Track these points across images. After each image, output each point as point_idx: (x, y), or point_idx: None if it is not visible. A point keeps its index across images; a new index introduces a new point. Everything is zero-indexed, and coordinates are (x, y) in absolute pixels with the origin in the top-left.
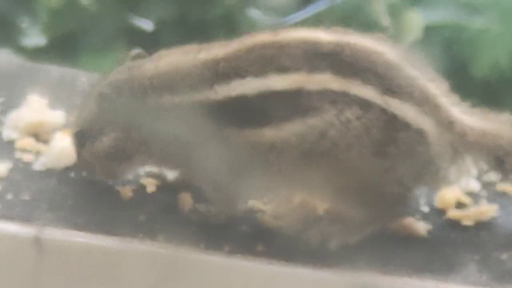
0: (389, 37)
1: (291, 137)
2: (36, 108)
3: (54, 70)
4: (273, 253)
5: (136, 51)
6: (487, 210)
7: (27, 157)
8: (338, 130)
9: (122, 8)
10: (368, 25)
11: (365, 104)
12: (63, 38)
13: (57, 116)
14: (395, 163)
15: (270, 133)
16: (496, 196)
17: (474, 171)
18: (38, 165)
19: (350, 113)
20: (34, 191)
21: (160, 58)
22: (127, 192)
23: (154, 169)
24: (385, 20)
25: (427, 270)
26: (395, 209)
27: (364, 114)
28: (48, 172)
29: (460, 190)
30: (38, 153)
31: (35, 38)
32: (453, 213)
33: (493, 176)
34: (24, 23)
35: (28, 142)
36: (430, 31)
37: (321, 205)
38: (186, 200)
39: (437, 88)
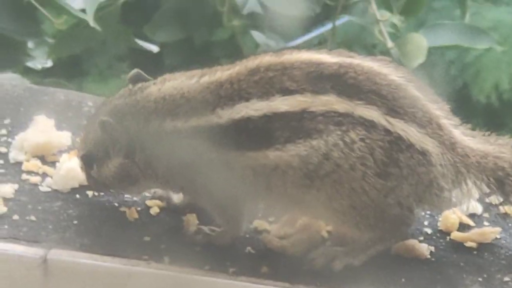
0: (393, 59)
1: (295, 158)
2: (42, 130)
3: (60, 92)
4: (277, 275)
5: (134, 71)
6: (490, 232)
7: (33, 179)
8: (342, 151)
9: (127, 31)
10: (370, 47)
11: (369, 125)
12: (69, 60)
13: (64, 137)
14: (399, 184)
15: (274, 155)
16: (498, 218)
17: (476, 193)
18: (44, 187)
19: (354, 134)
20: (41, 212)
21: (164, 82)
22: (132, 213)
23: (160, 191)
24: (388, 42)
25: None
26: (398, 230)
27: (368, 135)
28: (55, 194)
29: (463, 212)
30: (44, 175)
31: (41, 60)
32: (456, 235)
33: (495, 199)
34: (31, 45)
35: (34, 164)
36: (433, 53)
37: (325, 227)
38: (191, 221)
39: (439, 110)
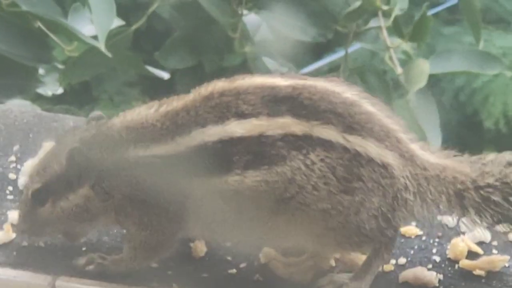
0: (401, 85)
1: (261, 184)
2: None
3: (70, 119)
4: None
5: (96, 113)
6: (499, 260)
7: None
8: (303, 174)
9: (138, 58)
10: (381, 74)
11: (327, 145)
12: (79, 87)
13: None
14: (366, 197)
15: (233, 180)
16: (507, 246)
17: (484, 222)
18: None
19: (313, 156)
20: (49, 239)
21: (125, 114)
22: None
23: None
24: (398, 68)
25: None
26: (383, 241)
27: (327, 155)
28: None
29: (472, 240)
30: None
31: (52, 86)
32: (464, 263)
33: (503, 227)
34: (42, 71)
35: None
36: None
37: (333, 254)
38: (199, 248)
39: (395, 124)
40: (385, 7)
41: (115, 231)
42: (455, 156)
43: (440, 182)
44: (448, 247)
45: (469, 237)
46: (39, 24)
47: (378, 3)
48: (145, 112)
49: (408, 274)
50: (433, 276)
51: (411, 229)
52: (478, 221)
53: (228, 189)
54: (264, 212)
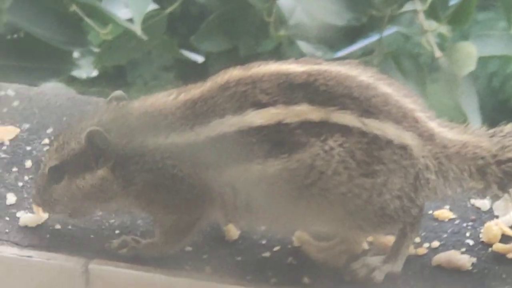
0: (437, 68)
1: (282, 172)
2: None
3: (102, 102)
4: (319, 285)
5: (118, 92)
6: None
7: None
8: (323, 159)
9: (173, 41)
10: (415, 57)
11: (345, 130)
12: (114, 70)
13: None
14: (388, 178)
15: (256, 169)
16: None
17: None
18: None
19: (332, 141)
20: (82, 222)
21: (145, 100)
22: None
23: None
24: (437, 52)
25: None
26: (408, 221)
27: (346, 140)
28: None
29: (505, 224)
30: None
31: (86, 69)
32: (498, 246)
33: None
34: (77, 55)
35: None
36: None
37: (366, 238)
38: (232, 231)
39: (413, 103)
40: None
41: None
42: (474, 131)
43: (461, 159)
44: (482, 230)
45: (502, 220)
46: (74, 7)
47: None
48: (164, 99)
49: (441, 257)
50: (466, 260)
51: (444, 213)
52: (501, 195)
53: (249, 178)
54: (286, 199)
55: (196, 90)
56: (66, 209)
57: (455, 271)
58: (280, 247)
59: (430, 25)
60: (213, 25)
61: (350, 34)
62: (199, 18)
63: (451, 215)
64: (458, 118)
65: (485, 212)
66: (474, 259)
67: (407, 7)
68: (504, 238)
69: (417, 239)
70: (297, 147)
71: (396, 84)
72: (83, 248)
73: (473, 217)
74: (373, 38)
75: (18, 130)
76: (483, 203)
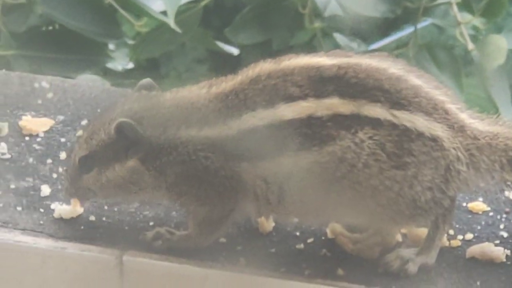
0: (471, 60)
1: (313, 165)
2: None
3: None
4: (353, 277)
5: (147, 80)
6: None
7: None
8: (353, 152)
9: (207, 34)
10: (450, 49)
11: (376, 123)
12: (148, 63)
13: None
14: (419, 170)
15: (287, 163)
16: None
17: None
18: None
19: (362, 134)
20: (117, 214)
21: (177, 92)
22: None
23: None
24: (469, 44)
25: None
26: (440, 213)
27: (376, 132)
28: None
29: None
30: None
31: (121, 61)
32: None
33: None
34: (112, 47)
35: None
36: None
37: (400, 230)
38: (265, 224)
39: (443, 95)
40: None
41: None
42: (505, 122)
43: (492, 151)
44: None
45: None
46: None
47: None
48: (196, 92)
49: (475, 249)
50: (500, 252)
51: (478, 205)
52: None
53: (281, 171)
54: (317, 192)
55: (227, 83)
56: (98, 198)
57: (489, 263)
58: (314, 239)
59: (464, 17)
60: (248, 17)
61: (384, 26)
62: (233, 11)
63: (485, 207)
64: (490, 110)
65: None
66: (508, 251)
67: None
68: None
69: (451, 231)
70: (328, 140)
71: (426, 76)
72: (117, 240)
73: (507, 209)
74: (407, 30)
75: (52, 122)
76: None
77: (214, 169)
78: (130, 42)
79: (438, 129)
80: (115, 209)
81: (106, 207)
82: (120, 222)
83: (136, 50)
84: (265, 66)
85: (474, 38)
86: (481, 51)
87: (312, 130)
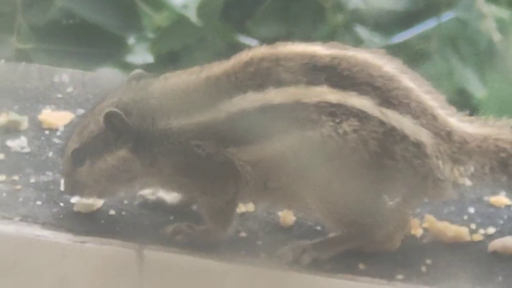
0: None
1: (289, 149)
2: None
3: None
4: (374, 272)
5: (137, 71)
6: None
7: None
8: (335, 143)
9: (228, 26)
10: (473, 43)
11: (362, 116)
12: (168, 56)
13: None
14: (391, 177)
15: (270, 148)
16: None
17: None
18: None
19: (347, 125)
20: (137, 208)
21: (167, 79)
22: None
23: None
24: (495, 35)
25: None
26: (370, 230)
27: (362, 126)
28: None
29: None
30: None
31: (141, 55)
32: None
33: None
34: (132, 40)
35: None
36: None
37: (418, 224)
38: (287, 217)
39: (434, 100)
40: None
41: None
42: (495, 122)
43: (482, 154)
44: None
45: None
46: None
47: None
48: (186, 77)
49: (497, 243)
50: None
51: (500, 199)
52: None
53: (265, 156)
54: (292, 179)
55: (219, 67)
56: (94, 191)
57: (511, 257)
58: (335, 233)
59: (490, 9)
60: (270, 10)
61: (407, 20)
62: (253, 3)
63: (507, 201)
64: None
65: None
66: None
67: None
68: None
69: (473, 226)
70: (309, 125)
71: (419, 79)
72: (137, 234)
73: None
74: (430, 23)
75: (72, 115)
76: None
77: (206, 156)
78: (150, 35)
79: (423, 135)
80: (136, 203)
81: (126, 202)
82: (140, 216)
83: (156, 43)
84: (260, 50)
85: (499, 31)
86: (507, 43)
87: (296, 115)
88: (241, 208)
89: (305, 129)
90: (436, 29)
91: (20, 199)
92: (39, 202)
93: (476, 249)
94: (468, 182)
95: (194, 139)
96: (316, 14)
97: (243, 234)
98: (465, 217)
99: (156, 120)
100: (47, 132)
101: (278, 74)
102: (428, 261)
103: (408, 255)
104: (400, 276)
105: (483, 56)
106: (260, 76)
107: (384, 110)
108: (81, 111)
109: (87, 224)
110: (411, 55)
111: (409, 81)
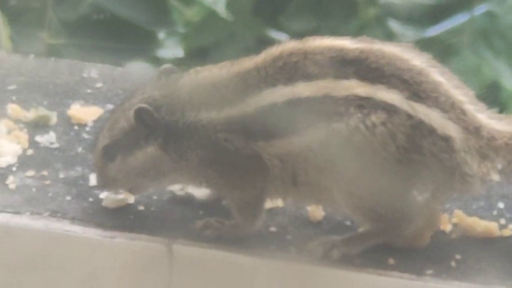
0: None
1: (316, 142)
2: None
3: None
4: (404, 267)
5: (167, 66)
6: None
7: None
8: (363, 135)
9: (258, 21)
10: (508, 36)
11: (390, 109)
12: (198, 51)
13: None
14: (419, 172)
15: (298, 141)
16: None
17: None
18: None
19: (375, 118)
20: (166, 203)
21: (197, 74)
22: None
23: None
24: None
25: None
26: (398, 225)
27: (390, 119)
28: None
29: None
30: None
31: (172, 50)
32: None
33: None
34: (162, 35)
35: None
36: None
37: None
38: (316, 212)
39: (463, 95)
40: None
41: None
42: None
43: (509, 151)
44: None
45: None
46: None
47: None
48: (217, 72)
49: None
50: None
51: None
52: None
53: (293, 150)
54: (319, 172)
55: (249, 61)
56: (125, 187)
57: None
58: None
59: None
60: (302, 4)
61: (439, 13)
62: None
63: None
64: None
65: None
66: None
67: None
68: None
69: (502, 221)
70: (337, 117)
71: (448, 74)
72: (166, 229)
73: None
74: (462, 17)
75: (101, 111)
76: None
77: (234, 150)
78: (181, 30)
79: (451, 129)
80: (165, 198)
81: (155, 197)
82: (169, 212)
83: (187, 38)
84: (289, 45)
85: None
86: None
87: (325, 109)
88: (270, 203)
89: (334, 122)
90: (468, 23)
91: (49, 195)
92: (68, 198)
93: (505, 244)
94: (496, 178)
95: (223, 133)
96: (348, 8)
97: (272, 228)
98: (495, 212)
99: (185, 113)
100: (76, 127)
101: (306, 68)
102: (458, 256)
103: (438, 250)
104: (429, 271)
105: None
106: (288, 70)
107: (413, 103)
108: (110, 107)
109: (116, 219)
110: (443, 49)
111: (438, 75)
